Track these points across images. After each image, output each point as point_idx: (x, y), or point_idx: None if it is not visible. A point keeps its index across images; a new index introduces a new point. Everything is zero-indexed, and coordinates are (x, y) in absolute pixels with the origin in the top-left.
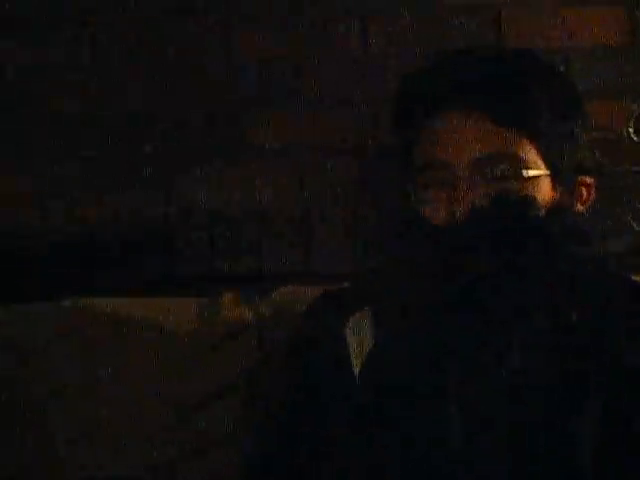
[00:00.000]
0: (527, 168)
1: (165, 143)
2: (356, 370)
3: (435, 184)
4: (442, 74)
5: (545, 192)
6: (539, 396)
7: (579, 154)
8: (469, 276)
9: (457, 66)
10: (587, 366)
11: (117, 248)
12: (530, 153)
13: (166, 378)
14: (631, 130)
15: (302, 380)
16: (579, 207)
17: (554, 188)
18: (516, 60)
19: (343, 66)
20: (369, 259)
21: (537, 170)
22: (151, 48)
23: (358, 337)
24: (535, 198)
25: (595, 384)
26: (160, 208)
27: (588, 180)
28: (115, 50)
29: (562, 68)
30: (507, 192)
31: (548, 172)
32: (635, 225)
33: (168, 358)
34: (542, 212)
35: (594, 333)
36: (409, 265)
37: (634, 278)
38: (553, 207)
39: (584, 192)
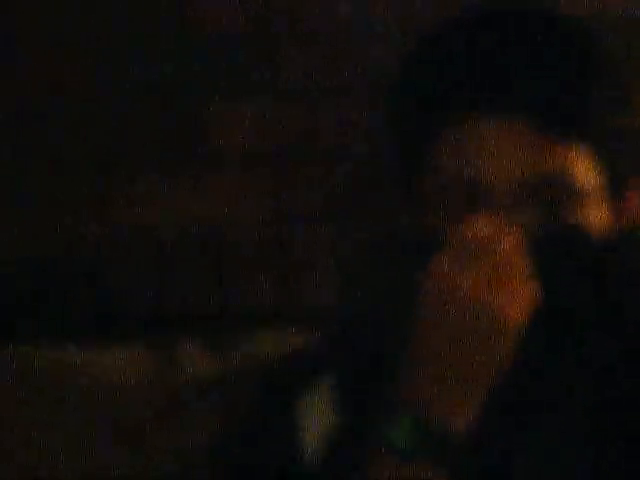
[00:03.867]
0: (582, 189)
1: (96, 144)
2: (308, 457)
3: (467, 203)
4: (467, 59)
5: (599, 214)
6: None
7: (628, 162)
8: None
9: (487, 44)
10: None
11: (35, 283)
12: (582, 170)
13: (107, 451)
14: None
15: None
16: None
17: (602, 207)
18: (568, 34)
19: (332, 42)
20: (365, 289)
21: (590, 187)
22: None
23: (312, 417)
24: (592, 227)
25: None
26: (90, 233)
27: (627, 205)
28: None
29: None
30: (562, 221)
31: (601, 191)
32: None
33: (110, 425)
34: (596, 242)
35: None
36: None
37: None
38: (610, 235)
39: (628, 212)
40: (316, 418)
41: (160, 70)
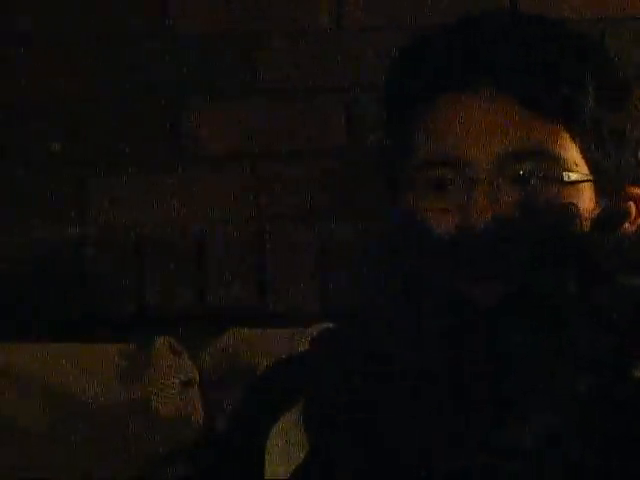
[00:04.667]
0: (567, 170)
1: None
2: None
3: (441, 187)
4: (453, 44)
5: (588, 203)
6: None
7: (627, 157)
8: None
9: (473, 34)
10: None
11: (16, 283)
12: (570, 151)
13: (76, 451)
14: None
15: None
16: (627, 226)
17: (597, 199)
18: (551, 30)
19: (309, 45)
20: (342, 293)
21: (579, 173)
22: None
23: (282, 449)
24: (578, 208)
25: None
26: (71, 231)
27: (637, 192)
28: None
29: None
30: (541, 196)
31: (591, 177)
32: None
33: (81, 423)
34: (585, 226)
35: None
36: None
37: None
38: (600, 221)
39: (632, 207)
40: (286, 449)
41: (144, 70)
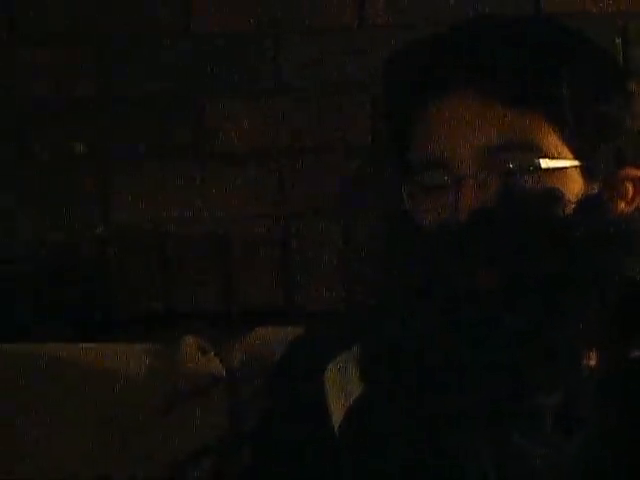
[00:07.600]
0: (549, 158)
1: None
2: (336, 424)
3: (436, 188)
4: (435, 49)
5: (574, 187)
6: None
7: (620, 141)
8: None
9: (453, 38)
10: None
11: (38, 283)
12: (551, 140)
13: (103, 450)
14: None
15: (272, 440)
16: (623, 207)
17: (587, 182)
18: (530, 27)
19: (332, 42)
20: (364, 289)
21: (560, 160)
22: None
23: (340, 384)
24: (562, 192)
25: None
26: (93, 230)
27: (634, 173)
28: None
29: (618, 39)
30: (519, 183)
31: (575, 163)
32: None
33: (107, 424)
34: (570, 209)
35: None
36: (403, 291)
37: None
38: (585, 202)
39: (629, 188)
40: (344, 385)
41: (165, 66)
